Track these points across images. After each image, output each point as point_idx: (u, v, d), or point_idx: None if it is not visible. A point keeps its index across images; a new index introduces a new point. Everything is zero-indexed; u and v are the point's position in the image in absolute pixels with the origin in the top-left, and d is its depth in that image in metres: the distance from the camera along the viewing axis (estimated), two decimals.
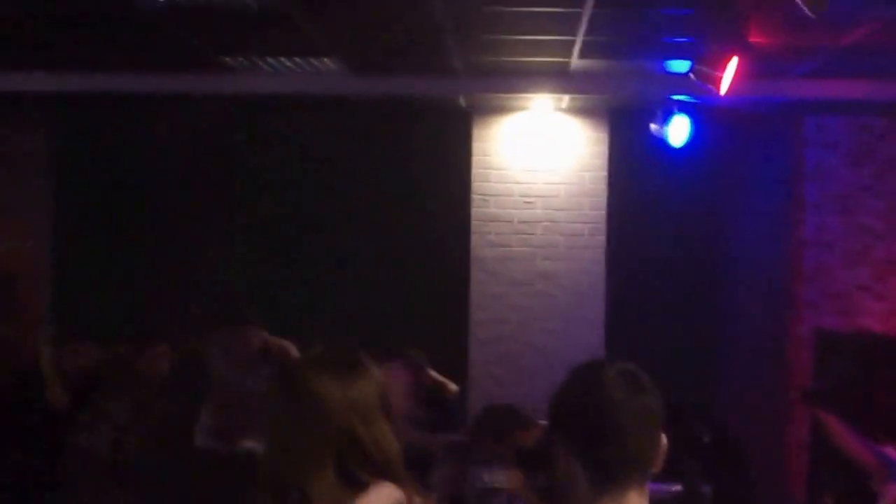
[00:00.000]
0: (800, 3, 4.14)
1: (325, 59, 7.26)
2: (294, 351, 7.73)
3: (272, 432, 2.62)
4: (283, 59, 7.30)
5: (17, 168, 9.54)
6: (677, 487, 8.41)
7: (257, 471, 2.66)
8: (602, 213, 8.70)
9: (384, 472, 2.51)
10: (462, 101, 8.61)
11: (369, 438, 2.50)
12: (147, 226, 9.87)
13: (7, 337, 8.99)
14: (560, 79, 7.82)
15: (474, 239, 8.76)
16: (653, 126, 8.05)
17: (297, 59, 7.30)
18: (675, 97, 7.84)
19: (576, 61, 7.21)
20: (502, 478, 5.82)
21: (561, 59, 7.22)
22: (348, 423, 2.48)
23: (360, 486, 2.47)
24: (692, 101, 7.78)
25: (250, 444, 7.68)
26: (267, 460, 2.61)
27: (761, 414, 8.91)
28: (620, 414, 2.24)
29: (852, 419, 5.97)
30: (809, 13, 4.19)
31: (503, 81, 8.02)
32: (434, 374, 7.51)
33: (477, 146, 8.78)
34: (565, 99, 8.41)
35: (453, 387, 7.59)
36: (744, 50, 6.28)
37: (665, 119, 7.93)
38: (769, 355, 8.68)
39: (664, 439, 2.35)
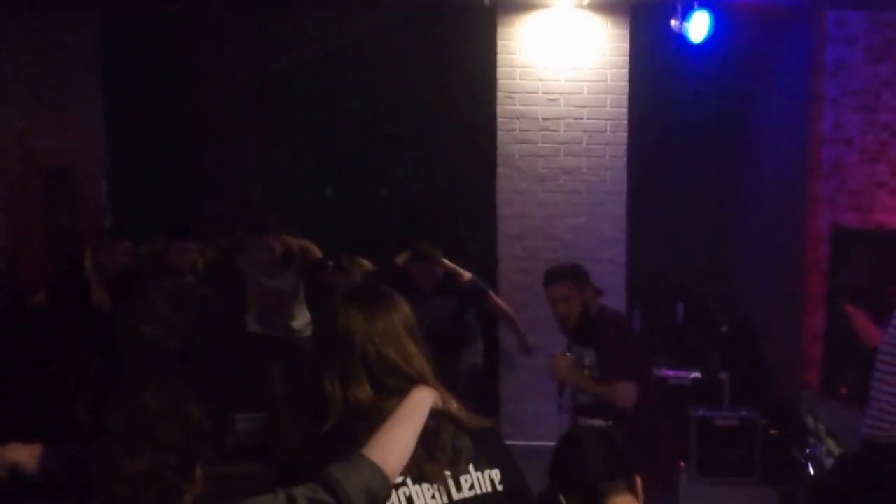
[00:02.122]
0: None
1: None
2: (315, 250, 7.80)
3: (313, 354, 2.78)
4: None
5: (69, 67, 9.52)
6: (696, 375, 8.44)
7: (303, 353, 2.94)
8: (623, 109, 8.50)
9: (418, 382, 2.68)
10: (486, 0, 8.37)
11: (399, 358, 2.67)
12: (194, 123, 9.85)
13: (68, 226, 9.08)
14: None
15: (500, 136, 8.59)
16: (673, 22, 7.86)
17: None
18: None
19: None
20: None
21: None
22: (373, 346, 2.66)
23: (399, 393, 2.64)
24: None
25: (295, 326, 7.83)
26: (308, 376, 2.76)
27: (778, 305, 8.83)
28: None
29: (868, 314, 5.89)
30: None
31: None
32: (447, 262, 7.49)
33: (501, 44, 8.56)
34: None
35: (467, 274, 7.58)
36: None
37: (685, 15, 7.76)
38: (786, 249, 8.57)
39: None
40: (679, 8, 7.79)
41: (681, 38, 7.86)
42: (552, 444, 3.17)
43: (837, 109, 7.86)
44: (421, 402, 2.63)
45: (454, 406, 2.75)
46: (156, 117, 9.72)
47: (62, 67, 9.37)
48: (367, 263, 7.66)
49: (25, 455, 2.91)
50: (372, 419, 2.57)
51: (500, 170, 8.60)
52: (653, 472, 5.58)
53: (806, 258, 8.07)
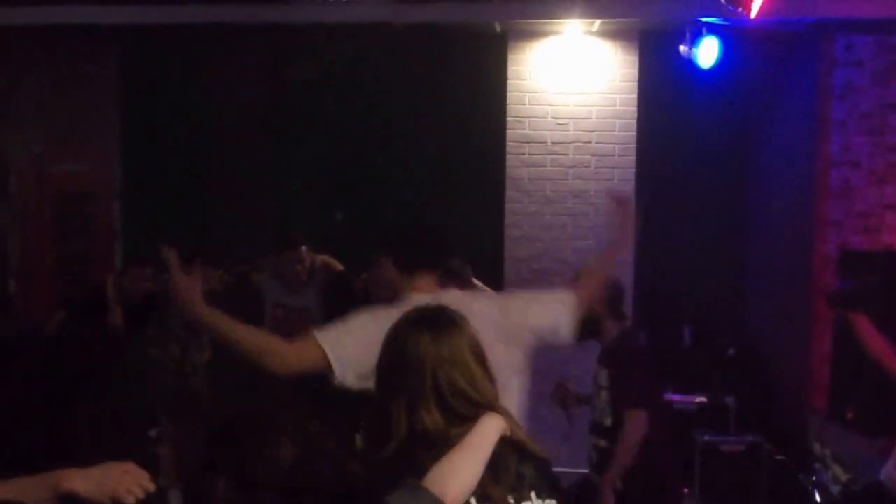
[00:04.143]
0: None
1: None
2: (337, 265, 7.53)
3: (380, 378, 2.73)
4: None
5: (89, 96, 9.43)
6: (701, 399, 8.12)
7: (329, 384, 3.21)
8: (632, 133, 8.30)
9: (486, 408, 2.61)
10: (497, 27, 8.24)
11: (467, 384, 2.61)
12: (208, 149, 9.69)
13: (80, 250, 8.94)
14: (591, 3, 7.52)
15: (509, 159, 8.43)
16: (682, 48, 7.71)
17: None
18: (705, 19, 7.46)
19: None
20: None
21: None
22: (443, 372, 2.60)
23: (468, 419, 2.57)
24: (721, 22, 7.41)
25: None
26: (376, 398, 2.71)
27: (785, 329, 8.52)
28: None
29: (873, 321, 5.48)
30: None
31: (536, 7, 7.71)
32: (477, 282, 7.27)
33: (512, 70, 8.41)
34: (596, 23, 8.01)
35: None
36: None
37: (694, 41, 7.61)
38: (795, 272, 8.25)
39: None
40: (688, 34, 7.64)
41: (690, 64, 7.71)
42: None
43: (845, 132, 7.59)
44: (489, 431, 2.56)
45: (520, 434, 2.67)
46: (170, 142, 9.55)
47: (82, 95, 9.26)
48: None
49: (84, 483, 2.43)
50: (437, 446, 2.51)
51: (509, 193, 8.42)
52: (656, 497, 5.33)
53: (814, 281, 7.75)
